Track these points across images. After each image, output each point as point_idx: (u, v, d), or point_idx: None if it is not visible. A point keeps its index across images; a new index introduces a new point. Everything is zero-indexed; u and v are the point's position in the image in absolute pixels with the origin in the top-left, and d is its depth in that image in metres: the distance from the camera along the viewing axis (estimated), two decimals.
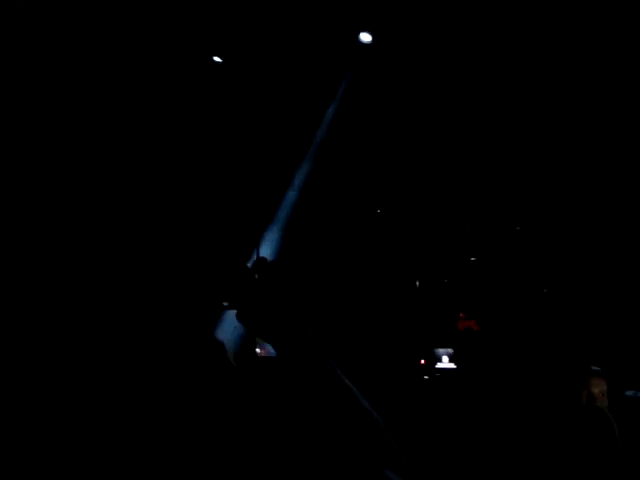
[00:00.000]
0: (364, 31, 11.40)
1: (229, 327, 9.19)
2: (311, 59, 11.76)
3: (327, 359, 2.28)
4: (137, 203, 13.18)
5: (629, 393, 10.80)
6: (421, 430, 6.73)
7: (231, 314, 2.41)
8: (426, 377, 10.13)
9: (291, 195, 12.43)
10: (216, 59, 11.62)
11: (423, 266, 13.06)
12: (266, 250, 11.73)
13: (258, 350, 10.78)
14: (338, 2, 11.08)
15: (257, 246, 12.01)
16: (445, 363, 10.74)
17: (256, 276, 2.28)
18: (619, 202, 12.52)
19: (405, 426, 6.75)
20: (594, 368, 6.63)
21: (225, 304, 2.22)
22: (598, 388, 6.27)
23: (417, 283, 12.48)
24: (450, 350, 11.13)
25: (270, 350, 9.91)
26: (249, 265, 2.33)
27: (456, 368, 10.70)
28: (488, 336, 11.47)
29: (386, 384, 8.12)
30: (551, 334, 11.78)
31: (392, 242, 13.78)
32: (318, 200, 13.44)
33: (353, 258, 13.82)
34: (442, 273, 12.53)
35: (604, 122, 11.82)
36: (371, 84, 12.02)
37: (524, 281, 12.41)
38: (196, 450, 2.80)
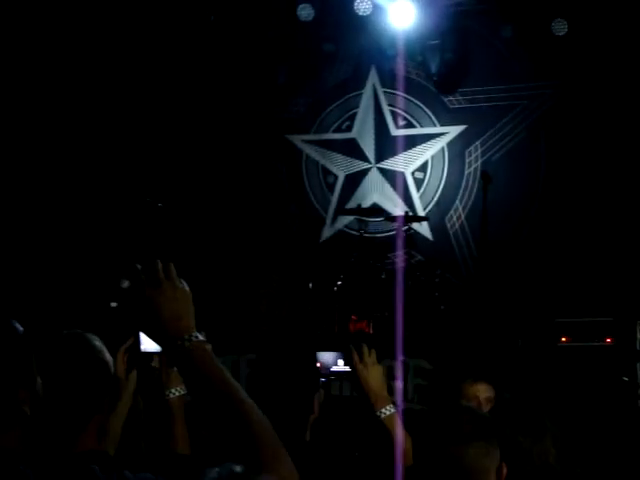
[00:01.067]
0: None
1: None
2: None
3: (213, 359, 2.23)
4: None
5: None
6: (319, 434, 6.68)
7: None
8: (323, 380, 10.13)
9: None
10: None
11: (316, 268, 13.11)
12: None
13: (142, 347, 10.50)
14: None
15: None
16: (340, 366, 10.75)
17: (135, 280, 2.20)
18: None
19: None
20: (472, 376, 6.66)
21: (113, 304, 2.16)
22: (474, 394, 6.27)
23: (310, 285, 12.48)
24: (339, 353, 11.14)
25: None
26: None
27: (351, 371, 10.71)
28: (380, 338, 11.57)
29: (286, 388, 8.03)
30: (442, 337, 12.05)
31: (287, 243, 13.77)
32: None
33: (243, 258, 13.70)
34: (335, 275, 12.56)
35: None
36: None
37: (417, 283, 12.63)
38: None
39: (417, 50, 14.66)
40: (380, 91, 15.53)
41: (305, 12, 14.07)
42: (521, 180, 14.61)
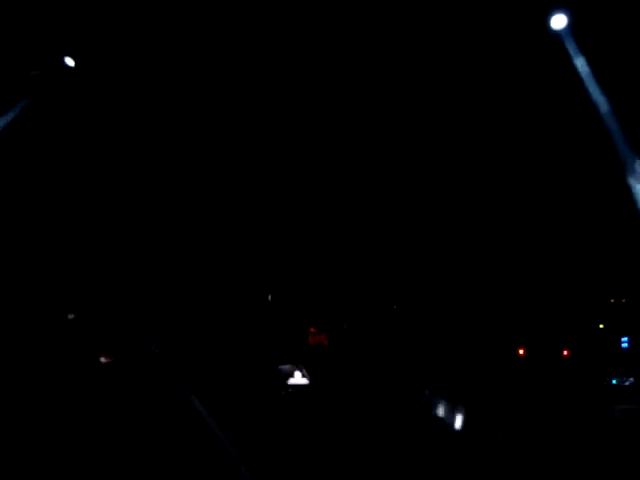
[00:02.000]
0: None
1: None
2: None
3: (164, 371, 2.24)
4: None
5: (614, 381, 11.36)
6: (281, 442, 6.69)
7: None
8: (283, 393, 10.13)
9: None
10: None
11: (275, 280, 13.06)
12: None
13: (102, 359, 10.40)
14: None
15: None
16: (298, 379, 10.71)
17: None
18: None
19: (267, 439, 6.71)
20: None
21: (70, 316, 2.15)
22: None
23: (269, 297, 12.44)
24: (298, 366, 11.12)
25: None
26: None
27: (308, 384, 10.72)
28: (338, 350, 11.58)
29: (244, 401, 8.03)
30: (398, 347, 12.09)
31: (246, 255, 13.69)
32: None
33: (203, 272, 13.61)
34: (295, 287, 12.57)
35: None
36: None
37: (374, 296, 12.65)
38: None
39: None
40: None
41: None
42: None
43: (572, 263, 13.35)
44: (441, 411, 10.67)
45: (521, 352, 13.18)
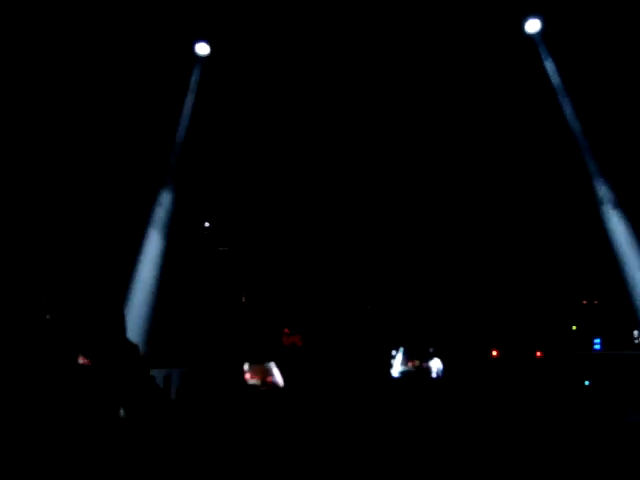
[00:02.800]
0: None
1: None
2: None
3: (143, 367, 2.23)
4: None
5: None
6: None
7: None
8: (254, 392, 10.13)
9: None
10: None
11: (250, 282, 13.05)
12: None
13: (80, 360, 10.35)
14: None
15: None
16: (273, 378, 10.73)
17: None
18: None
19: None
20: None
21: (47, 317, 2.11)
22: None
23: (243, 299, 12.43)
24: (270, 365, 11.14)
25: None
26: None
27: (281, 386, 10.74)
28: (312, 351, 11.58)
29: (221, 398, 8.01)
30: (374, 346, 12.11)
31: (220, 257, 13.67)
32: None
33: (177, 273, 13.57)
34: (268, 289, 12.56)
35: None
36: None
37: (348, 296, 12.68)
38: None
39: None
40: None
41: None
42: None
43: (545, 266, 13.45)
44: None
45: (494, 353, 13.26)
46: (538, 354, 13.28)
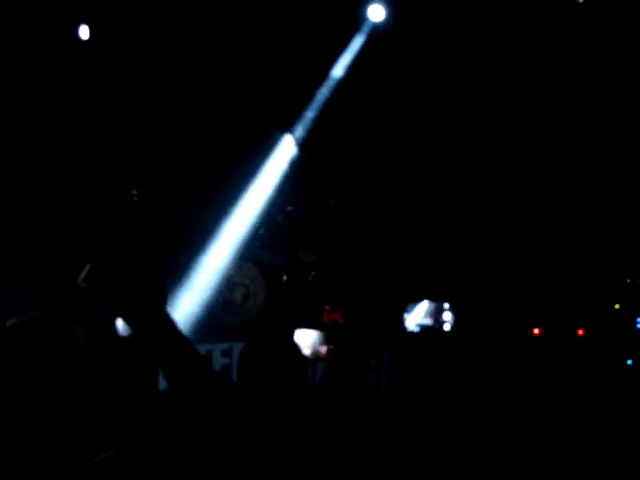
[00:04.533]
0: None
1: None
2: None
3: (182, 334, 2.30)
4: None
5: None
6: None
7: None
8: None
9: None
10: None
11: (290, 260, 13.14)
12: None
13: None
14: None
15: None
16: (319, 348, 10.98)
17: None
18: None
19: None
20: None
21: (82, 285, 2.18)
22: None
23: (284, 277, 12.54)
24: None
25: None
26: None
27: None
28: (353, 329, 11.66)
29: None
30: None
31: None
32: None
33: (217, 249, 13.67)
34: (310, 266, 12.64)
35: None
36: None
37: (389, 275, 12.72)
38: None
39: None
40: None
41: None
42: None
43: (588, 243, 13.33)
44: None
45: (536, 331, 13.19)
46: (580, 332, 13.20)
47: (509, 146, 12.51)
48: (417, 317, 12.07)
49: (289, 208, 13.07)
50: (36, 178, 12.63)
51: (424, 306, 12.01)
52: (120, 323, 10.57)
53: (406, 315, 12.05)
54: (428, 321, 11.97)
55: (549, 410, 9.51)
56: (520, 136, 12.39)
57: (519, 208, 13.44)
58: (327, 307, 12.32)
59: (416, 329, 11.93)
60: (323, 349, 11.15)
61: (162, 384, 7.36)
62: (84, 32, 10.83)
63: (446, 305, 11.79)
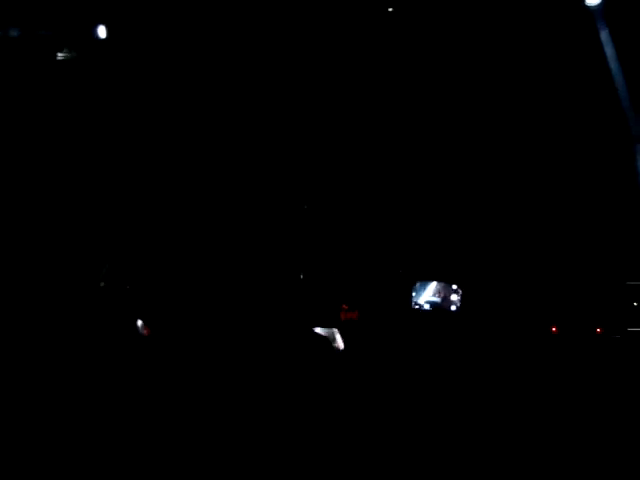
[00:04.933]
0: None
1: None
2: None
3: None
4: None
5: None
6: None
7: None
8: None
9: None
10: None
11: (308, 260, 13.23)
12: None
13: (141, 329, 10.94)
14: None
15: None
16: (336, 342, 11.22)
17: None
18: None
19: None
20: None
21: (101, 284, 2.34)
22: None
23: (301, 276, 12.64)
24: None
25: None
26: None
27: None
28: (369, 326, 11.78)
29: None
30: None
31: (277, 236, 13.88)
32: None
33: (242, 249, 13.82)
34: (327, 267, 12.75)
35: None
36: None
37: (404, 273, 12.79)
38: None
39: None
40: None
41: None
42: None
43: (606, 241, 13.31)
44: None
45: (554, 329, 13.21)
46: (598, 330, 13.19)
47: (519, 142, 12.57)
48: (427, 295, 12.53)
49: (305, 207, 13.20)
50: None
51: (433, 285, 12.47)
52: (140, 323, 10.84)
53: (415, 293, 12.53)
54: (437, 299, 12.39)
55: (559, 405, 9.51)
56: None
57: (537, 206, 13.46)
58: (345, 306, 12.38)
59: (426, 306, 12.42)
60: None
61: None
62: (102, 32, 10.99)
63: (454, 286, 12.15)
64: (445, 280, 12.20)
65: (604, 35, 10.14)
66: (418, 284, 12.15)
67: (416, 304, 11.99)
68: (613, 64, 9.92)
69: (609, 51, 10.00)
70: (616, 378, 10.99)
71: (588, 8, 11.28)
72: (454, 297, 12.05)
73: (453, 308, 11.87)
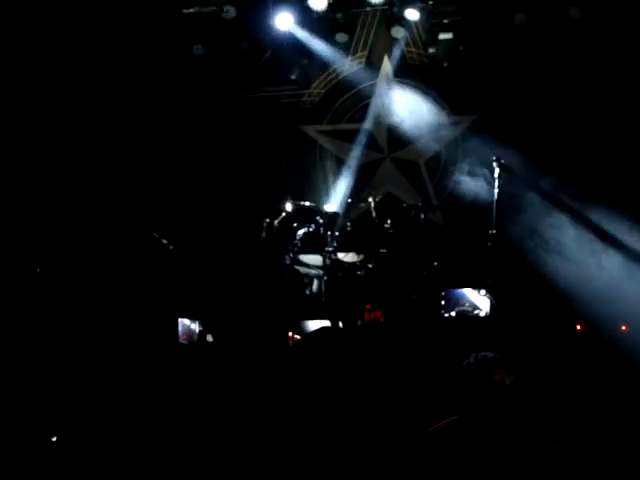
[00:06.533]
0: None
1: None
2: None
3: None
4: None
5: None
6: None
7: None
8: None
9: None
10: None
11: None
12: None
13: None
14: None
15: None
16: None
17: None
18: None
19: None
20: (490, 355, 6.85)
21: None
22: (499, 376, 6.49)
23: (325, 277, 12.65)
24: None
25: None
26: None
27: None
28: (394, 328, 11.73)
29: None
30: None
31: None
32: None
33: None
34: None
35: None
36: None
37: (429, 275, 12.77)
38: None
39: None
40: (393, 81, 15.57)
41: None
42: None
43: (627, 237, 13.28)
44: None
45: (579, 327, 13.12)
46: (623, 328, 13.09)
47: None
48: (456, 301, 12.27)
49: None
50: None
51: (462, 291, 12.24)
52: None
53: (443, 301, 12.30)
54: (465, 307, 12.18)
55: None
56: None
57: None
58: (368, 306, 12.35)
59: (453, 314, 12.19)
60: None
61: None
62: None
63: (482, 292, 11.91)
64: (473, 286, 11.96)
65: None
66: (447, 290, 11.96)
67: (445, 311, 11.79)
68: None
69: None
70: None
71: None
72: (482, 303, 11.78)
73: (483, 314, 11.64)
